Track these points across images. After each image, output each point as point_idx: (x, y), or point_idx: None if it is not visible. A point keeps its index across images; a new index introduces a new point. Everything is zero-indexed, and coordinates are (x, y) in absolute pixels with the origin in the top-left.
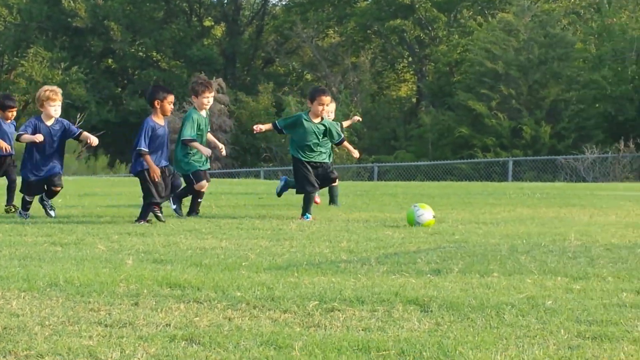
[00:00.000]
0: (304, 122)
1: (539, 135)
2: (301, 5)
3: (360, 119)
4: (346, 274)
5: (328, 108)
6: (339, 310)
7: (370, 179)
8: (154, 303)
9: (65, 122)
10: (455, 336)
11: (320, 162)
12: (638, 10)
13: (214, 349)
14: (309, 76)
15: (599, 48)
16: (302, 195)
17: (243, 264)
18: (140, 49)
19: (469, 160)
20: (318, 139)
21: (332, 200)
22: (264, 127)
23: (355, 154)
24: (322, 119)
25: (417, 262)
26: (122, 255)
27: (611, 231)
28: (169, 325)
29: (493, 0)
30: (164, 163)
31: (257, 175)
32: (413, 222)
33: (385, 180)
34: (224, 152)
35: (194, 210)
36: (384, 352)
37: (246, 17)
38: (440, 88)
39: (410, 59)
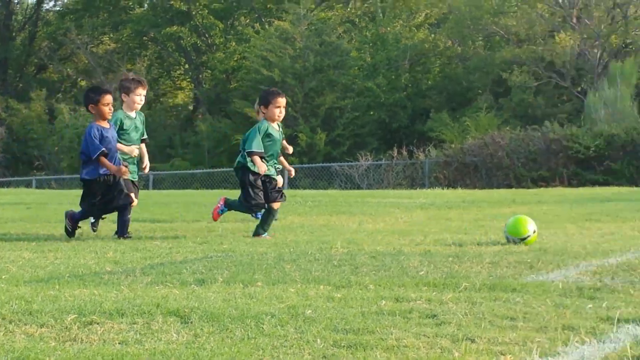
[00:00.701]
0: (271, 131)
1: (314, 143)
2: (75, 12)
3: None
4: (109, 285)
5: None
6: (97, 324)
7: (146, 187)
8: None
9: None
10: (212, 347)
11: (270, 177)
12: (411, 20)
13: None
14: (83, 83)
15: (374, 56)
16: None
17: (3, 277)
18: None
19: None
20: (279, 147)
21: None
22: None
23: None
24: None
25: (182, 272)
26: None
27: (378, 238)
28: None
29: (270, 8)
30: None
31: (28, 185)
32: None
33: (160, 189)
34: (147, 170)
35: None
36: None
37: (19, 23)
38: (217, 95)
39: (187, 66)
